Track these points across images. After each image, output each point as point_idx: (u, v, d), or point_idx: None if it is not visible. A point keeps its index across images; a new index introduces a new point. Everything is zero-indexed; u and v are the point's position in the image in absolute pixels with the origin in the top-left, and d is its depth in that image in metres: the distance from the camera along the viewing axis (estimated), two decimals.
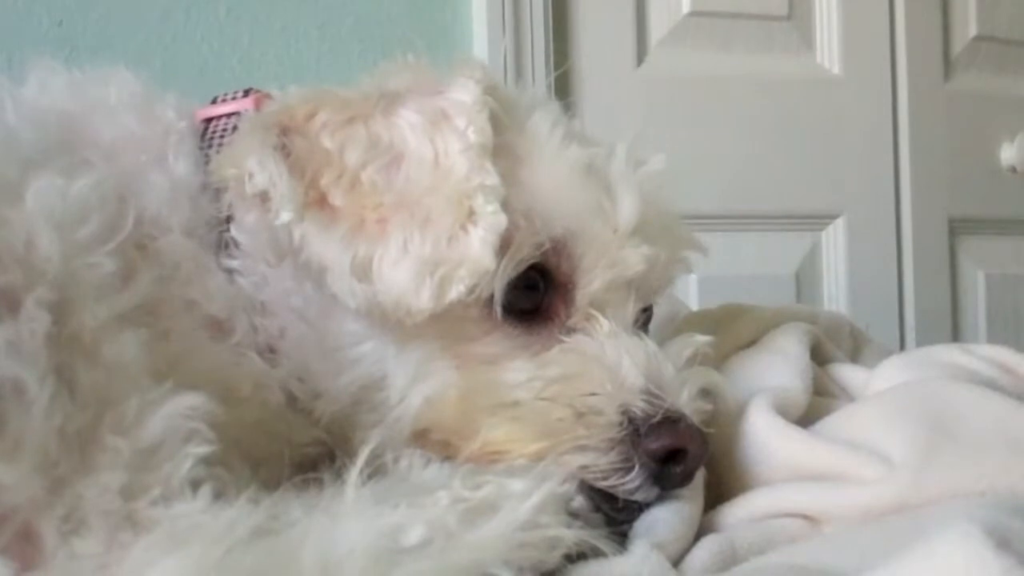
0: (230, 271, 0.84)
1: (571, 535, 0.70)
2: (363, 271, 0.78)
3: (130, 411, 0.63)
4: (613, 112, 2.20)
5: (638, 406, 0.79)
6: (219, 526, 0.61)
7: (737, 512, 0.82)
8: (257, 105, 0.90)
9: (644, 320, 0.93)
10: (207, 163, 0.86)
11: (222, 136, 0.89)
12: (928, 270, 2.55)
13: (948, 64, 2.60)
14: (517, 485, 0.71)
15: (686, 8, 2.37)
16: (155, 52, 1.93)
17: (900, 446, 0.77)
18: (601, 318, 0.85)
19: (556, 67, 2.16)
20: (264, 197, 0.79)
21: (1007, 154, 2.63)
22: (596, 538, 0.71)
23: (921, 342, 2.37)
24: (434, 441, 0.82)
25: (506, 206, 0.80)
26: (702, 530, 0.79)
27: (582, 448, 0.78)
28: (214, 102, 0.93)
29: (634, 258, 0.86)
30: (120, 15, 1.92)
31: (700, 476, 0.82)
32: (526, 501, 0.70)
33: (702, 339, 0.88)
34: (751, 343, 1.04)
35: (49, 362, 0.61)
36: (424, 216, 0.79)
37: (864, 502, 0.76)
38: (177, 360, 0.72)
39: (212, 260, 0.84)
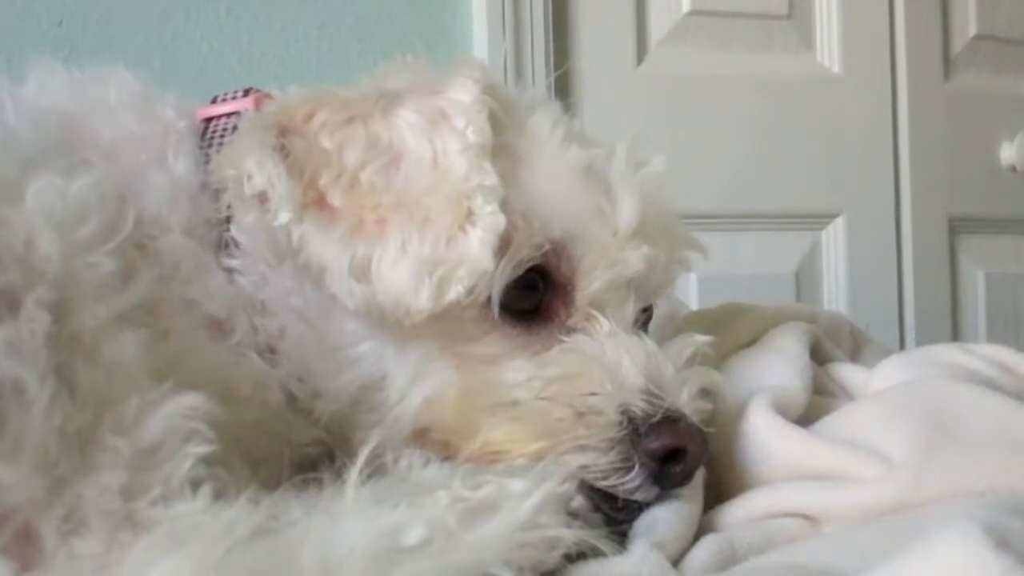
0: (230, 271, 0.84)
1: (571, 535, 0.70)
2: (362, 271, 0.78)
3: (130, 411, 0.63)
4: (613, 112, 2.20)
5: (638, 406, 0.79)
6: (219, 526, 0.61)
7: (737, 512, 0.82)
8: (257, 105, 0.90)
9: (644, 320, 0.93)
10: (207, 163, 0.86)
11: (222, 136, 0.89)
12: (928, 269, 2.55)
13: (948, 63, 2.60)
14: (517, 485, 0.71)
15: (686, 7, 2.37)
16: (155, 52, 1.93)
17: (900, 445, 0.77)
18: (601, 318, 0.85)
19: (556, 67, 2.16)
20: (263, 198, 0.79)
21: (1007, 153, 2.63)
22: (596, 538, 0.71)
23: (921, 341, 2.37)
24: (434, 441, 0.82)
25: (505, 207, 0.80)
26: (702, 530, 0.79)
27: (582, 448, 0.78)
28: (214, 102, 0.93)
29: (634, 258, 0.86)
30: (120, 15, 1.92)
31: (700, 476, 0.82)
32: (526, 501, 0.70)
33: (702, 339, 0.88)
34: (751, 343, 1.04)
35: (49, 362, 0.61)
36: (423, 216, 0.79)
37: (864, 501, 0.76)
38: (177, 360, 0.73)
39: (212, 260, 0.84)
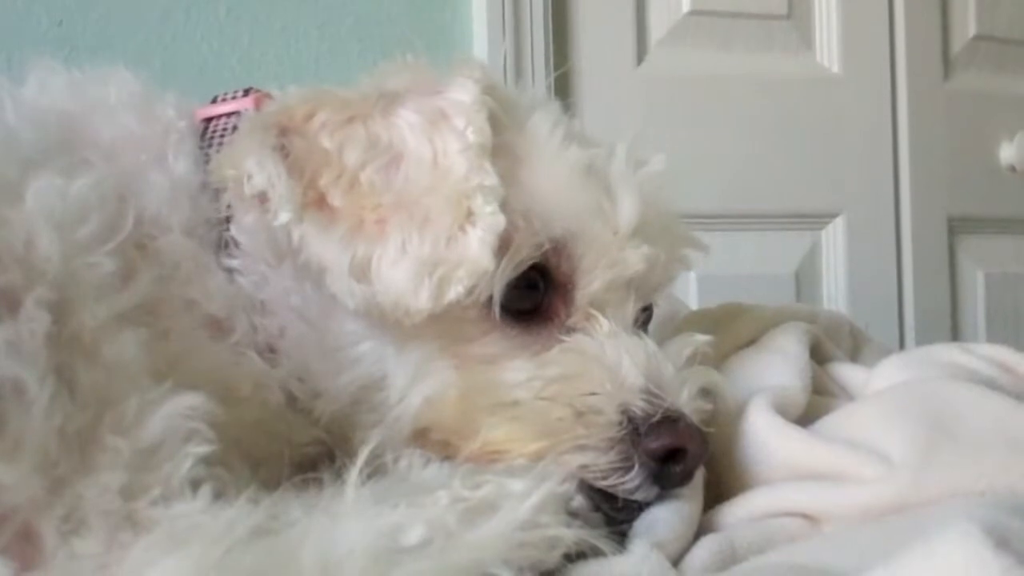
0: (230, 270, 0.84)
1: (571, 535, 0.70)
2: (362, 271, 0.78)
3: (130, 411, 0.63)
4: (613, 112, 2.20)
5: (638, 405, 0.79)
6: (219, 526, 0.61)
7: (737, 511, 0.82)
8: (257, 105, 0.90)
9: (644, 320, 0.93)
10: (207, 162, 0.86)
11: (222, 136, 0.89)
12: (927, 269, 2.55)
13: (947, 63, 2.60)
14: (517, 485, 0.71)
15: (686, 7, 2.37)
16: (155, 52, 1.93)
17: (899, 445, 0.77)
18: (601, 318, 0.85)
19: (556, 67, 2.16)
20: (263, 198, 0.79)
21: (1006, 153, 2.63)
22: (596, 537, 0.71)
23: (921, 341, 2.37)
24: (434, 441, 0.82)
25: (505, 206, 0.80)
26: (702, 529, 0.79)
27: (582, 447, 0.78)
28: (214, 102, 0.93)
29: (634, 258, 0.86)
30: (120, 15, 1.92)
31: (700, 475, 0.82)
32: (526, 501, 0.70)
33: (702, 338, 0.88)
34: (750, 342, 1.04)
35: (49, 362, 0.61)
36: (423, 216, 0.79)
37: (863, 501, 0.76)
38: (177, 360, 0.73)
39: (212, 259, 0.84)
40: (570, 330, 0.84)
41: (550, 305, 0.85)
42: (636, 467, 0.78)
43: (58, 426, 0.60)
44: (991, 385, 0.86)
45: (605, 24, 2.30)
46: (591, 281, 0.85)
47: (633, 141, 0.90)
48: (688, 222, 0.95)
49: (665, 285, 0.95)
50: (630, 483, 0.78)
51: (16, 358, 0.59)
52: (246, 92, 0.93)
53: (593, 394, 0.80)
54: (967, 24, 2.63)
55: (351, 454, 0.72)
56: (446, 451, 0.80)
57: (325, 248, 0.78)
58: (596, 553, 0.71)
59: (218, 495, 0.64)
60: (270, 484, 0.68)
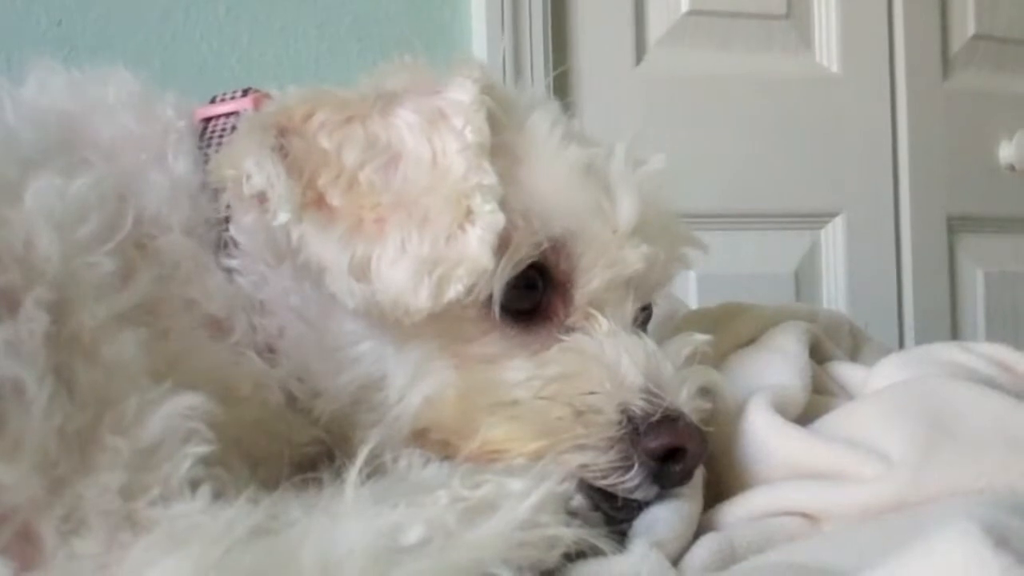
0: (229, 270, 0.84)
1: (570, 534, 0.70)
2: (361, 271, 0.78)
3: (129, 411, 0.63)
4: (612, 111, 2.20)
5: (637, 405, 0.79)
6: (218, 526, 0.61)
7: (736, 511, 0.82)
8: (256, 105, 0.90)
9: (643, 319, 0.93)
10: (206, 162, 0.86)
11: (221, 135, 0.89)
12: (927, 268, 2.55)
13: (947, 63, 2.60)
14: (516, 484, 0.71)
15: (685, 7, 2.37)
16: (154, 51, 1.93)
17: (899, 444, 0.77)
18: (600, 317, 0.85)
19: (555, 66, 2.16)
20: (262, 198, 0.79)
21: (1005, 152, 2.63)
22: (595, 537, 0.71)
23: (920, 340, 2.37)
24: (433, 440, 0.82)
25: (504, 205, 0.80)
26: (701, 529, 0.79)
27: (581, 447, 0.78)
28: (213, 101, 0.93)
29: (633, 257, 0.86)
30: (119, 15, 1.92)
31: (699, 475, 0.82)
32: (525, 500, 0.70)
33: (701, 338, 0.88)
34: (750, 342, 1.04)
35: (48, 362, 0.61)
36: (422, 216, 0.79)
37: (863, 500, 0.76)
38: (176, 359, 0.72)
39: (211, 259, 0.84)
40: (569, 329, 0.84)
41: (549, 304, 0.85)
42: (636, 466, 0.78)
43: (57, 426, 0.60)
44: (990, 384, 0.86)
45: (604, 24, 2.30)
46: (590, 280, 0.85)
47: (632, 140, 0.90)
48: (687, 221, 0.95)
49: (664, 284, 0.95)
50: (630, 482, 0.78)
51: (15, 358, 0.59)
52: (245, 92, 0.93)
53: (592, 393, 0.80)
54: (966, 23, 2.63)
55: (351, 454, 0.72)
56: (445, 451, 0.80)
57: (324, 248, 0.78)
58: (596, 552, 0.71)
59: (218, 495, 0.64)
60: (270, 484, 0.68)
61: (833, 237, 2.49)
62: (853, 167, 2.49)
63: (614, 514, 0.78)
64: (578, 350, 0.83)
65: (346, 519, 0.64)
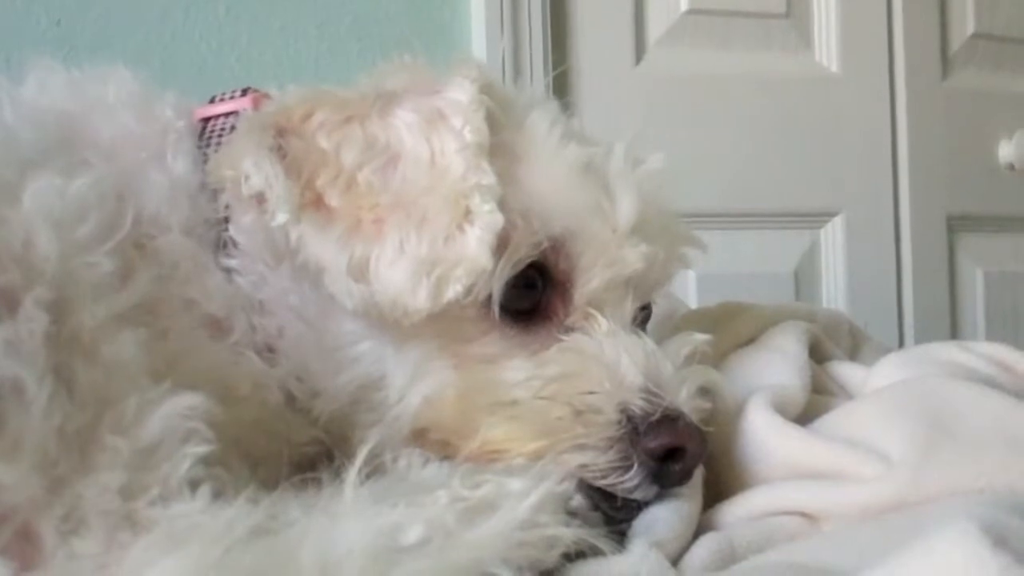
0: (228, 270, 0.84)
1: (570, 534, 0.70)
2: (360, 271, 0.77)
3: (129, 411, 0.63)
4: (612, 111, 2.20)
5: (637, 404, 0.79)
6: (218, 526, 0.61)
7: (736, 510, 0.82)
8: (255, 104, 0.90)
9: (643, 318, 0.93)
10: (205, 162, 0.86)
11: (220, 135, 0.89)
12: (927, 268, 2.55)
13: (946, 62, 2.60)
14: (516, 484, 0.71)
15: (684, 7, 2.37)
16: (154, 51, 1.93)
17: (899, 444, 0.77)
18: (599, 317, 0.84)
19: (555, 66, 2.16)
20: (260, 198, 0.79)
21: (1005, 151, 2.63)
22: (595, 537, 0.71)
23: (920, 340, 2.37)
24: (433, 440, 0.82)
25: (503, 205, 0.80)
26: (701, 528, 0.79)
27: (581, 447, 0.78)
28: (212, 101, 0.93)
29: (633, 257, 0.86)
30: (119, 14, 1.92)
31: (699, 474, 0.82)
32: (525, 500, 0.70)
33: (701, 337, 0.88)
34: (750, 341, 1.04)
35: (48, 362, 0.61)
36: (420, 216, 0.79)
37: (863, 500, 0.76)
38: (176, 359, 0.72)
39: (211, 259, 0.84)
40: (569, 329, 0.84)
41: (549, 304, 0.85)
42: (635, 466, 0.78)
43: (57, 426, 0.60)
44: (990, 383, 0.86)
45: (604, 23, 2.30)
46: (590, 280, 0.85)
47: (632, 140, 0.90)
48: (687, 221, 0.95)
49: (664, 284, 0.95)
50: (629, 482, 0.78)
51: (15, 358, 0.59)
52: (244, 92, 0.93)
53: (592, 393, 0.80)
54: (966, 22, 2.63)
55: (350, 454, 0.72)
56: (445, 450, 0.80)
57: (323, 248, 0.78)
58: (595, 552, 0.71)
59: (217, 495, 0.64)
60: (269, 484, 0.68)
61: (833, 237, 2.49)
62: (853, 166, 2.49)
63: (613, 514, 0.78)
64: (577, 350, 0.83)
65: (345, 519, 0.64)
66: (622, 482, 0.78)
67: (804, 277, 2.47)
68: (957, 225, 2.60)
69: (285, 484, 0.69)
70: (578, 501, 0.76)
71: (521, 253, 0.82)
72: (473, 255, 0.78)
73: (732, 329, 1.06)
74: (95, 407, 0.62)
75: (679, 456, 0.78)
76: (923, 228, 2.54)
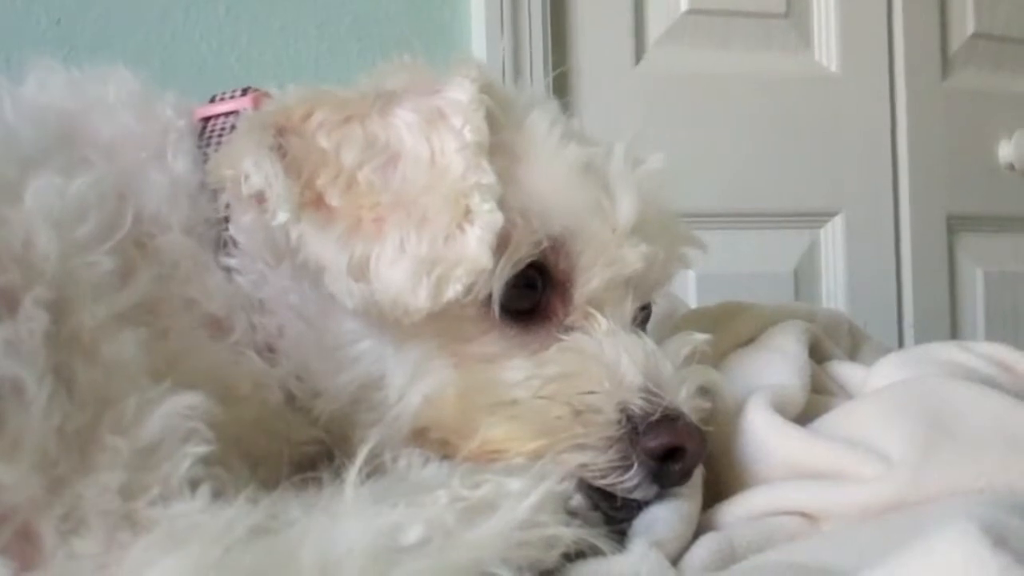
0: (229, 269, 0.84)
1: (570, 534, 0.70)
2: (360, 271, 0.78)
3: (129, 410, 0.63)
4: (611, 110, 2.20)
5: (636, 404, 0.79)
6: (218, 526, 0.61)
7: (736, 510, 0.82)
8: (255, 104, 0.90)
9: (642, 318, 0.93)
10: (206, 161, 0.86)
11: (220, 135, 0.89)
12: (927, 268, 2.55)
13: (946, 62, 2.60)
14: (516, 484, 0.71)
15: (684, 6, 2.36)
16: (154, 51, 1.93)
17: (898, 444, 0.77)
18: (599, 316, 0.85)
19: (554, 66, 2.16)
20: (260, 198, 0.79)
21: (1005, 151, 2.63)
22: (595, 536, 0.71)
23: (919, 340, 2.37)
24: (433, 440, 0.82)
25: (503, 205, 0.80)
26: (701, 528, 0.79)
27: (580, 446, 0.78)
28: (212, 101, 0.93)
29: (633, 256, 0.86)
30: (119, 14, 1.91)
31: (699, 474, 0.82)
32: (525, 500, 0.70)
33: (700, 337, 0.88)
34: (749, 341, 1.04)
35: (48, 361, 0.61)
36: (421, 215, 0.79)
37: (863, 500, 0.76)
38: (176, 359, 0.72)
39: (211, 258, 0.84)
40: (568, 329, 0.84)
41: (548, 304, 0.85)
42: (635, 466, 0.78)
43: (57, 425, 0.60)
44: (990, 383, 0.86)
45: (603, 23, 2.30)
46: (590, 279, 0.85)
47: (632, 140, 0.90)
48: (687, 220, 0.95)
49: (664, 283, 0.95)
50: (629, 482, 0.78)
51: (15, 357, 0.59)
52: (244, 91, 0.93)
53: (592, 393, 0.80)
54: (965, 22, 2.63)
55: (350, 453, 0.72)
56: (445, 450, 0.80)
57: (323, 247, 0.78)
58: (595, 552, 0.71)
59: (217, 494, 0.64)
60: (269, 483, 0.68)
61: (832, 236, 2.49)
62: (852, 166, 2.49)
63: (613, 514, 0.78)
64: (577, 349, 0.83)
65: (346, 519, 0.64)
66: (622, 482, 0.78)
67: (804, 277, 2.47)
68: (957, 225, 2.60)
69: (285, 484, 0.69)
70: (578, 501, 0.76)
71: (521, 252, 0.82)
72: (473, 254, 0.78)
73: (732, 329, 1.06)
74: (95, 407, 0.62)
75: (679, 456, 0.78)
76: (923, 228, 2.54)
